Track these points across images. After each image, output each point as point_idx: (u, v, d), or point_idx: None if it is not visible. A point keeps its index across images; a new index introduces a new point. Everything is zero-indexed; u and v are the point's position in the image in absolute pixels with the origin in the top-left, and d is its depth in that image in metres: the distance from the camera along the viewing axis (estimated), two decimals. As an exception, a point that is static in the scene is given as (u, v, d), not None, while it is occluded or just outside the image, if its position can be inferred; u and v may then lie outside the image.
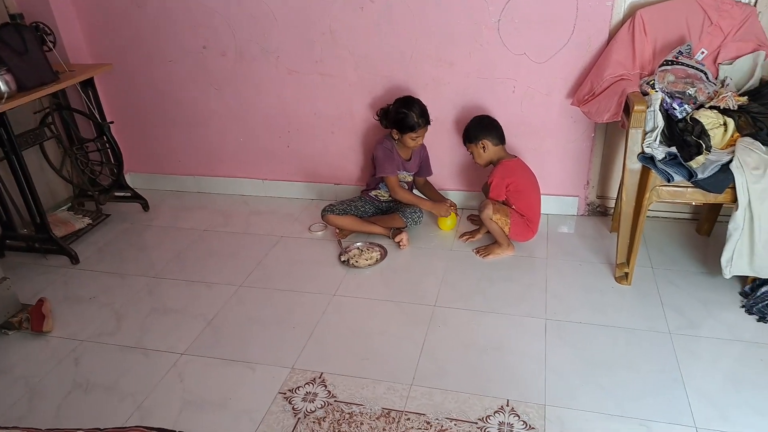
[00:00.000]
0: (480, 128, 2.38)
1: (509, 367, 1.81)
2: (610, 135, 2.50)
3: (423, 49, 2.48)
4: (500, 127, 2.39)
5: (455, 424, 1.61)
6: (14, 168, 2.36)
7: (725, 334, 1.92)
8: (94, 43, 2.82)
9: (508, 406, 1.67)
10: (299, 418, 1.65)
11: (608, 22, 2.27)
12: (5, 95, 2.17)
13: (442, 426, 1.61)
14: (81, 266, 2.47)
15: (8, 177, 2.42)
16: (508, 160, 2.38)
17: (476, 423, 1.61)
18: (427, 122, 2.44)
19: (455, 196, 2.75)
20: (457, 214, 2.60)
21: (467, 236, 2.52)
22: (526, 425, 1.60)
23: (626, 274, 2.17)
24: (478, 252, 2.41)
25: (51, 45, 2.53)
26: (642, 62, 2.23)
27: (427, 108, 2.44)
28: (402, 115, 2.39)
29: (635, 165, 2.00)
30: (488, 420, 1.62)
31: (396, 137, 2.47)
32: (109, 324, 2.09)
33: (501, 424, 1.61)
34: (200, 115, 2.89)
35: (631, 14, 2.23)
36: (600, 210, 2.68)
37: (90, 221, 2.74)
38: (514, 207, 2.36)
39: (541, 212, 2.47)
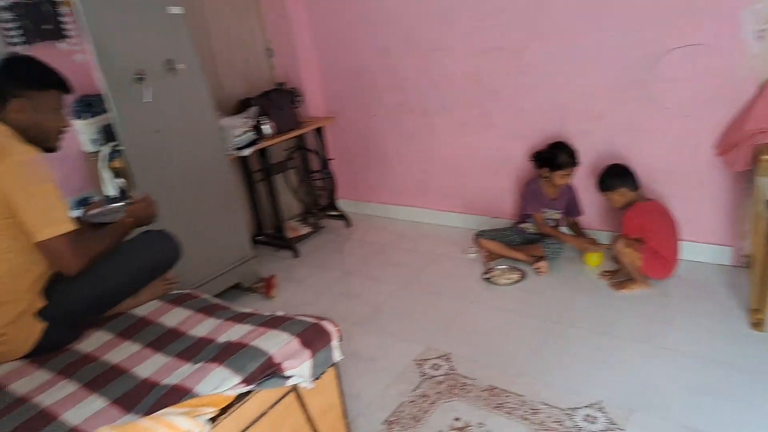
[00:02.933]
0: (615, 177, 2.64)
1: (609, 378, 2.06)
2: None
3: (574, 104, 2.89)
4: (634, 172, 2.63)
5: (546, 407, 1.95)
6: (268, 187, 3.42)
7: None
8: (328, 101, 3.85)
9: (598, 404, 1.93)
10: (424, 379, 2.18)
11: (758, 80, 2.38)
12: (268, 136, 3.23)
13: (534, 406, 1.97)
14: (299, 259, 3.41)
15: (263, 193, 3.50)
16: (643, 203, 2.60)
17: (564, 410, 1.93)
18: (575, 163, 2.80)
19: (606, 236, 3.00)
20: (603, 252, 2.84)
21: (608, 274, 2.74)
22: (610, 421, 1.86)
23: (760, 320, 2.21)
24: (611, 285, 2.65)
25: (299, 103, 3.59)
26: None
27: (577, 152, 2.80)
28: (553, 154, 2.80)
29: (765, 211, 2.11)
30: (575, 411, 1.92)
31: (546, 175, 2.86)
32: (310, 298, 2.93)
33: (587, 416, 1.90)
34: (392, 157, 3.70)
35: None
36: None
37: (310, 230, 3.72)
38: (647, 245, 2.54)
39: (693, 260, 2.58)
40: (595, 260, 2.85)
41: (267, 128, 3.19)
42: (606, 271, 2.77)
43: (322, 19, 3.61)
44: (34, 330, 1.63)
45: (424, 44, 3.25)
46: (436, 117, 3.38)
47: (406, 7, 3.23)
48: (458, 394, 2.07)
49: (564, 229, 3.04)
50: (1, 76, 1.67)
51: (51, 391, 1.46)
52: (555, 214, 2.98)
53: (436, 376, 2.19)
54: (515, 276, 2.85)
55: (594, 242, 2.89)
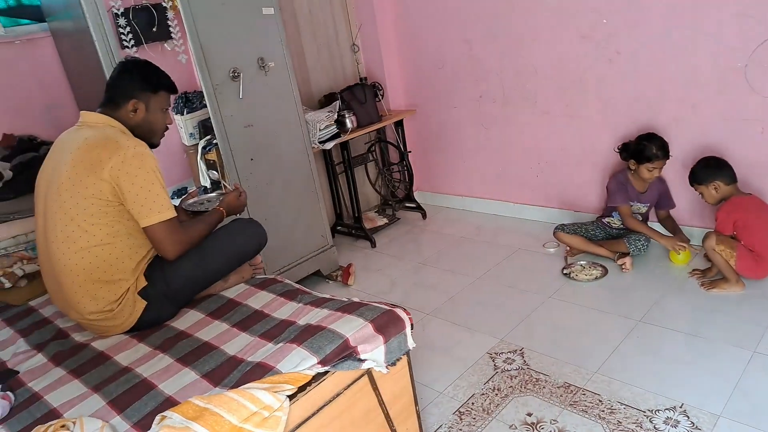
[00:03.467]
0: (710, 170, 2.48)
1: (695, 381, 1.96)
2: None
3: (666, 92, 2.74)
4: (730, 166, 2.46)
5: (624, 408, 1.89)
6: (348, 179, 3.53)
7: None
8: (409, 95, 3.89)
9: (681, 408, 1.85)
10: (497, 372, 2.18)
11: None
12: (350, 130, 3.33)
13: (612, 407, 1.91)
14: (377, 249, 3.49)
15: (343, 184, 3.62)
16: (739, 197, 2.43)
17: (644, 412, 1.86)
18: (666, 156, 2.64)
19: (697, 232, 2.84)
20: (691, 249, 2.69)
21: (698, 273, 2.59)
22: (694, 425, 1.78)
23: None
24: (702, 284, 2.50)
25: (380, 97, 3.65)
26: None
27: (669, 145, 2.65)
28: (642, 146, 2.66)
29: None
30: (657, 413, 1.85)
31: (633, 168, 2.74)
32: (386, 287, 3.00)
33: (668, 419, 1.82)
34: (472, 149, 3.68)
35: None
36: None
37: (387, 221, 3.80)
38: (742, 242, 2.40)
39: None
40: (682, 258, 2.70)
41: (349, 122, 3.29)
42: (696, 270, 2.62)
43: (407, 14, 3.65)
44: (136, 307, 1.82)
45: (508, 34, 3.20)
46: (518, 107, 3.33)
47: (489, -1, 3.20)
48: (532, 390, 2.06)
49: (655, 225, 2.90)
50: (121, 78, 1.87)
51: (150, 363, 1.62)
52: (642, 208, 2.84)
53: (509, 370, 2.18)
54: (597, 272, 2.76)
55: (683, 239, 2.74)
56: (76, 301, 1.77)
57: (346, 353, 1.48)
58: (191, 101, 3.26)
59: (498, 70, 3.33)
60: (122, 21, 2.70)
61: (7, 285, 2.31)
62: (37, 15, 2.74)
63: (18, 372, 1.70)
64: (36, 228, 1.89)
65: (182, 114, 3.23)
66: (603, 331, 2.34)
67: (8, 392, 1.56)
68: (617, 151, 2.83)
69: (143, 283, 1.83)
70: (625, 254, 2.77)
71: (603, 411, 1.90)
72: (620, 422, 1.83)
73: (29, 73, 2.74)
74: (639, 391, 1.96)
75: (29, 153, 2.60)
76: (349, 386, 1.51)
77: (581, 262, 2.85)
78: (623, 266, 2.73)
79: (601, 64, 2.91)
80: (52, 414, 1.46)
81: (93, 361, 1.69)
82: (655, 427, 1.79)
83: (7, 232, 2.41)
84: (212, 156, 3.10)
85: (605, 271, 2.76)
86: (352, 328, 1.53)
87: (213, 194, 2.30)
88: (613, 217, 2.92)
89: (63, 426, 1.31)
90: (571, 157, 3.21)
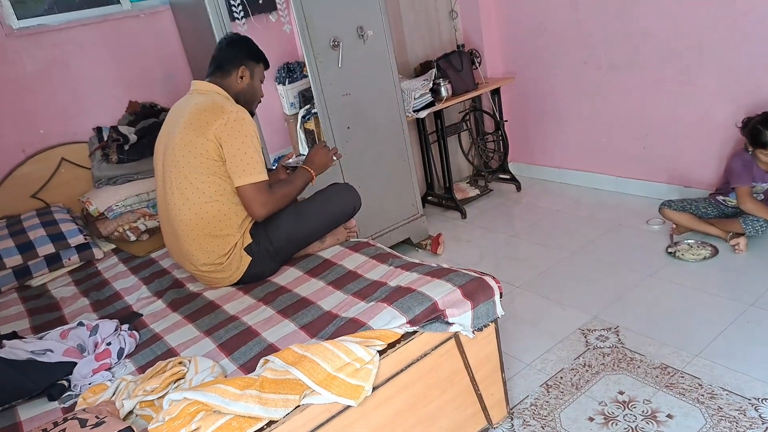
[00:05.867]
0: None
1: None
2: None
3: (800, 58, 2.46)
4: None
5: (727, 395, 1.78)
6: (440, 148, 3.52)
7: None
8: (507, 62, 3.78)
9: (794, 399, 1.73)
10: (588, 348, 2.13)
11: None
12: (444, 98, 3.30)
13: (713, 391, 1.81)
14: (467, 220, 3.48)
15: (435, 154, 3.62)
16: None
17: (750, 400, 1.74)
18: None
19: (824, 213, 2.57)
20: None
21: (824, 257, 2.37)
22: (809, 419, 1.66)
23: None
24: (828, 270, 2.28)
25: (477, 64, 3.58)
26: None
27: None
28: (757, 130, 2.42)
29: None
30: (764, 402, 1.73)
31: (749, 149, 2.52)
32: (475, 258, 3.00)
33: (778, 409, 1.71)
34: (572, 119, 3.52)
35: None
36: None
37: (479, 192, 3.76)
38: None
39: None
40: None
41: (444, 90, 3.26)
42: (823, 256, 2.38)
43: (505, -23, 3.52)
44: (243, 262, 1.97)
45: (617, -5, 3.00)
46: (626, 74, 3.12)
47: (598, -43, 3.00)
48: (625, 369, 1.99)
49: (772, 205, 2.65)
50: (230, 48, 2.04)
51: (254, 314, 1.75)
52: (764, 187, 2.59)
53: (602, 348, 2.12)
54: (706, 252, 2.57)
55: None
56: (191, 253, 1.95)
57: (434, 315, 1.52)
58: (293, 72, 3.39)
59: (604, 34, 3.13)
60: (231, -7, 2.84)
61: (132, 238, 2.58)
62: (158, -10, 2.97)
63: (141, 315, 1.92)
64: (156, 186, 2.09)
65: (284, 84, 3.37)
66: (708, 313, 2.20)
67: (134, 331, 1.77)
68: (739, 126, 2.58)
69: (249, 240, 1.97)
70: (739, 234, 2.55)
71: (702, 395, 1.80)
72: (721, 408, 1.73)
73: (151, 44, 2.98)
74: (745, 378, 1.84)
75: (150, 119, 2.85)
76: (436, 348, 1.56)
77: (689, 241, 2.67)
78: (736, 247, 2.53)
79: (722, 26, 2.65)
80: (171, 352, 1.64)
81: (205, 309, 1.87)
82: (761, 416, 1.68)
83: (131, 191, 2.68)
84: (311, 125, 3.22)
85: (715, 251, 2.57)
86: (441, 292, 1.57)
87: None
88: (729, 196, 2.69)
89: (180, 363, 1.48)
90: (683, 128, 2.98)
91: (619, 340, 2.14)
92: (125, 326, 1.77)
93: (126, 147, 2.72)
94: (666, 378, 1.91)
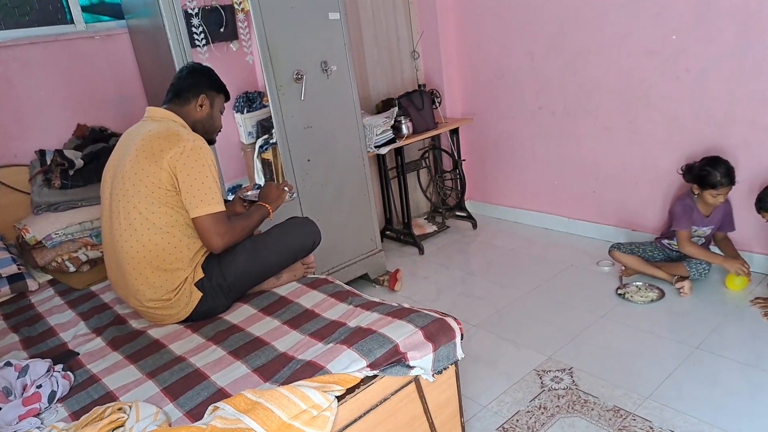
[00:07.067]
0: None
1: (755, 415, 1.87)
2: None
3: (736, 113, 2.61)
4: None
5: (678, 438, 1.83)
6: (400, 184, 3.52)
7: None
8: (466, 103, 3.86)
9: (740, 444, 1.78)
10: (543, 390, 2.13)
11: None
12: (405, 135, 3.32)
13: (664, 434, 1.85)
14: (424, 256, 3.48)
15: (395, 190, 3.63)
16: (814, 226, 2.30)
17: (700, 444, 1.79)
18: (732, 182, 2.52)
19: (759, 259, 2.71)
20: (748, 276, 2.57)
21: (761, 302, 2.46)
22: (754, 464, 1.70)
23: None
24: (766, 315, 2.37)
25: (438, 104, 3.64)
26: None
27: (736, 169, 2.53)
28: (705, 172, 2.54)
29: None
30: (713, 446, 1.78)
31: (696, 192, 2.64)
32: (432, 295, 2.98)
33: (726, 454, 1.75)
34: (527, 161, 3.61)
35: None
36: None
37: (436, 228, 3.77)
38: (815, 274, 2.26)
39: None
40: (738, 284, 2.58)
41: (405, 128, 3.29)
42: (759, 298, 2.49)
43: (469, 24, 3.63)
44: (193, 298, 1.87)
45: (572, 47, 3.14)
46: (579, 121, 3.25)
47: (555, 12, 3.14)
48: (579, 411, 1.99)
49: (712, 248, 2.77)
50: (191, 76, 1.99)
51: (203, 354, 1.66)
52: (706, 231, 2.72)
53: (556, 389, 2.12)
54: (653, 294, 2.65)
55: (743, 263, 2.60)
56: (136, 288, 1.84)
57: (395, 358, 1.48)
58: (252, 101, 3.35)
59: (559, 82, 3.26)
60: (195, 21, 2.80)
61: (72, 269, 2.43)
62: (116, 12, 2.88)
63: (78, 353, 1.78)
64: (102, 215, 1.98)
65: (242, 113, 3.32)
66: (657, 355, 2.25)
67: (69, 372, 1.63)
68: (680, 172, 2.72)
69: (200, 275, 1.88)
70: (684, 278, 2.65)
71: (655, 440, 1.82)
72: (674, 453, 1.76)
73: (105, 67, 2.88)
74: (693, 420, 1.87)
75: (100, 143, 2.73)
76: (396, 392, 1.51)
77: (637, 283, 2.75)
78: (681, 290, 2.62)
79: (668, 81, 2.80)
80: (109, 396, 1.52)
81: (149, 348, 1.76)
82: (712, 462, 1.71)
83: (74, 218, 2.54)
84: (268, 155, 3.17)
85: (662, 294, 2.65)
86: (403, 334, 1.53)
87: None
88: (674, 240, 2.80)
89: (120, 409, 1.36)
90: (631, 174, 3.11)
91: (573, 381, 2.15)
92: (59, 366, 1.63)
93: (71, 172, 2.58)
94: (619, 421, 1.92)
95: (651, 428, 1.87)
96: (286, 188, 2.12)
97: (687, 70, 2.72)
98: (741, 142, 2.63)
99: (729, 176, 2.52)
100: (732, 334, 2.31)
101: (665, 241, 2.84)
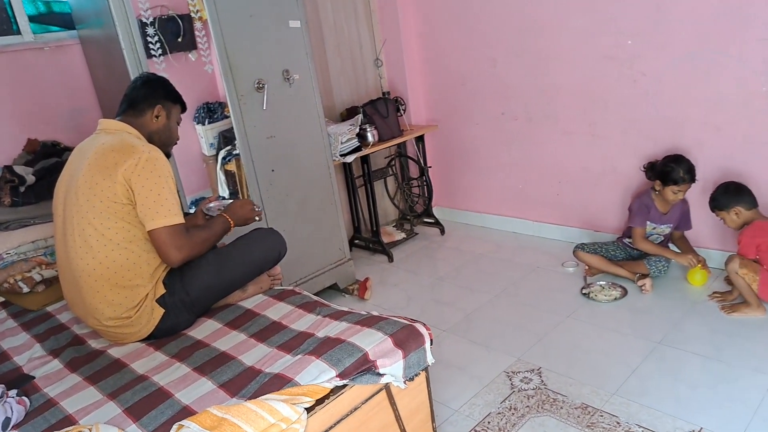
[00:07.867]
0: (730, 195, 2.45)
1: (715, 406, 1.92)
2: None
3: (689, 115, 2.71)
4: (751, 191, 2.43)
5: (642, 430, 1.84)
6: (367, 192, 3.51)
7: None
8: (431, 110, 3.89)
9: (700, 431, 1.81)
10: (513, 391, 2.14)
11: None
12: (371, 143, 3.32)
13: (630, 428, 1.86)
14: (393, 264, 3.47)
15: (362, 198, 3.61)
16: (763, 221, 2.39)
17: (664, 436, 1.83)
18: (692, 179, 2.60)
19: (716, 255, 2.80)
20: (708, 271, 2.67)
21: (719, 296, 2.54)
22: (715, 450, 1.74)
23: None
24: (723, 308, 2.46)
25: (402, 111, 3.64)
26: None
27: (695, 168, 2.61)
28: (669, 168, 2.61)
29: None
30: (676, 437, 1.82)
31: (658, 189, 2.69)
32: (402, 302, 2.98)
33: (688, 442, 1.78)
34: (492, 166, 3.66)
35: None
36: None
37: (405, 236, 3.78)
38: (765, 267, 2.35)
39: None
40: (699, 279, 2.67)
41: (370, 136, 3.29)
42: (716, 293, 2.58)
43: (432, 31, 3.67)
44: (154, 315, 1.81)
45: (532, 53, 3.20)
46: (540, 126, 3.31)
47: (516, 19, 3.20)
48: (549, 410, 2.01)
49: (672, 246, 2.86)
50: (146, 87, 1.93)
51: (166, 372, 1.60)
52: (666, 229, 2.79)
53: (526, 390, 2.14)
54: (616, 292, 2.71)
55: (695, 255, 2.69)
56: (94, 307, 1.77)
57: (365, 367, 1.46)
58: (213, 111, 3.29)
59: (521, 88, 3.32)
60: (150, 30, 2.74)
61: (26, 290, 2.32)
62: (67, 22, 2.80)
63: (34, 377, 1.70)
64: (55, 233, 1.90)
65: (203, 124, 3.26)
66: (622, 352, 2.29)
67: (24, 397, 1.55)
68: (643, 170, 2.79)
69: (162, 290, 1.82)
70: (645, 275, 2.72)
71: (623, 435, 1.85)
72: (641, 448, 1.79)
73: (56, 79, 2.79)
74: (658, 414, 1.92)
75: (52, 158, 2.64)
76: (367, 400, 1.49)
77: (600, 283, 2.81)
78: (643, 287, 2.69)
79: (624, 85, 2.89)
80: (68, 420, 1.45)
81: (109, 368, 1.69)
82: (678, 454, 1.75)
83: (26, 237, 2.43)
84: (231, 167, 3.12)
85: (625, 292, 2.71)
86: (372, 342, 1.52)
87: (229, 201, 2.30)
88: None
89: (79, 432, 1.31)
90: (592, 176, 3.18)
91: (542, 381, 2.18)
92: (13, 392, 1.55)
93: (21, 189, 2.48)
94: (587, 417, 1.95)
95: (618, 423, 1.90)
96: (257, 217, 2.06)
97: (643, 74, 2.81)
98: (695, 142, 2.73)
99: (690, 173, 2.60)
100: (692, 329, 2.38)
101: (626, 240, 2.91)
